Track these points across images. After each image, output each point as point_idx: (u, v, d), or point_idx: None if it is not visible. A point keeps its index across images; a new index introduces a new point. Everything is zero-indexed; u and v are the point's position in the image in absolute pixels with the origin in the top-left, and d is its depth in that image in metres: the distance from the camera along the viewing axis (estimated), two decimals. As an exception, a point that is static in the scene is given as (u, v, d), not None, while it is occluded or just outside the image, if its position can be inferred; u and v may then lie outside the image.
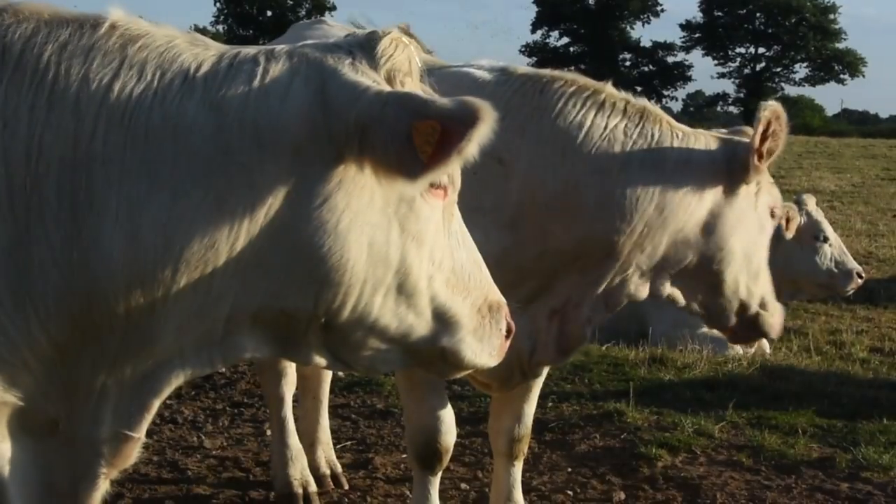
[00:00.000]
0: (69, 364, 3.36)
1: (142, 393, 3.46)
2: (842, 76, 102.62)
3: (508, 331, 3.76)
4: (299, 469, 7.28)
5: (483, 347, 3.67)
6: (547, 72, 5.57)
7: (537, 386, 6.24)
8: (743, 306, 5.67)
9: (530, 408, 6.30)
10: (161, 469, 7.71)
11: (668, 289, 5.56)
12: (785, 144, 5.43)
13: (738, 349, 12.15)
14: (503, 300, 3.74)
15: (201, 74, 3.33)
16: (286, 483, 7.21)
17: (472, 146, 3.19)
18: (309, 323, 3.44)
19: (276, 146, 3.24)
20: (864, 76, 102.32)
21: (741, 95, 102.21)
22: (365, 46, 3.44)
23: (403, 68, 3.45)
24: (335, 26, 7.02)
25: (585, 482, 7.58)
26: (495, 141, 4.78)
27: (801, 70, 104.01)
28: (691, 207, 5.40)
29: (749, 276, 5.60)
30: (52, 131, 3.22)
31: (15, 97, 3.29)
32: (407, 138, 3.19)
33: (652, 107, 5.54)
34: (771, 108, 5.33)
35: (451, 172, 3.51)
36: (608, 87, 5.47)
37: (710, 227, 5.46)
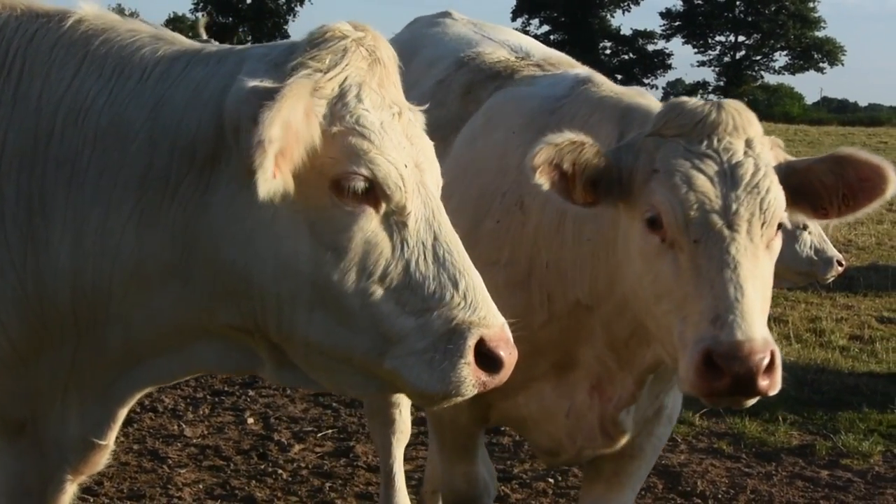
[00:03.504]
0: (30, 367, 3.36)
1: (106, 400, 3.44)
2: (821, 64, 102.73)
3: (495, 362, 3.26)
4: None
5: (433, 374, 3.19)
6: (604, 94, 4.73)
7: (631, 490, 5.15)
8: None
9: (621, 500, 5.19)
10: (141, 458, 7.69)
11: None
12: None
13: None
14: (487, 324, 3.25)
15: (156, 74, 3.27)
16: None
17: (269, 130, 2.91)
18: (253, 339, 3.32)
19: (195, 156, 3.17)
20: (843, 64, 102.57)
21: (721, 83, 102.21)
22: (293, 44, 3.27)
23: (315, 64, 3.16)
24: (459, 20, 6.29)
25: (566, 470, 7.57)
26: (520, 179, 4.57)
27: (781, 58, 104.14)
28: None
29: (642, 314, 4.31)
30: (15, 129, 3.22)
31: None
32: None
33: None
34: (540, 156, 4.06)
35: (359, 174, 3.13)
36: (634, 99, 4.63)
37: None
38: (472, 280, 3.26)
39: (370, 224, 3.16)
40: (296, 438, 8.27)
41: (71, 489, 3.59)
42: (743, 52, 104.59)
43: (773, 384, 3.76)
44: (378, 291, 3.17)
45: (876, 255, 17.97)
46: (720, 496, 7.37)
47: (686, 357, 3.78)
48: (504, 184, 4.72)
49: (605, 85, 4.82)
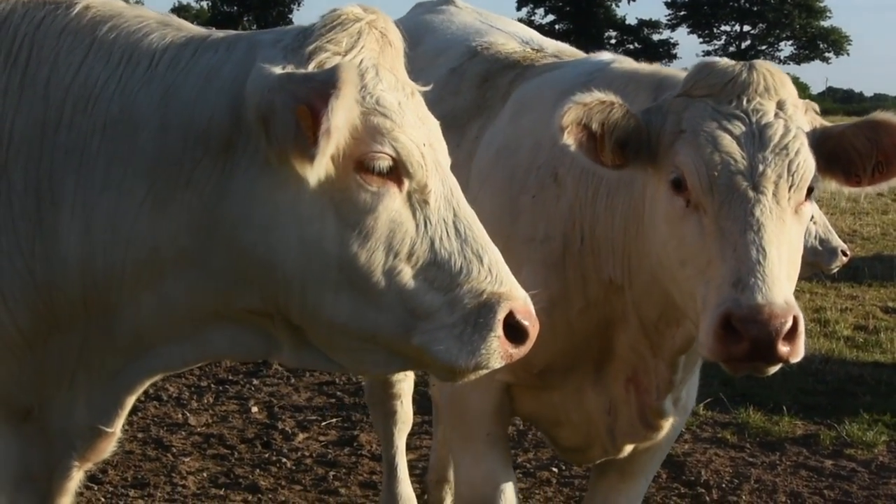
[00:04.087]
0: (37, 354, 3.35)
1: (115, 388, 3.43)
2: (826, 54, 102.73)
3: (521, 334, 3.29)
4: None
5: (463, 347, 3.22)
6: (637, 67, 4.74)
7: (644, 479, 5.18)
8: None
9: (634, 489, 5.16)
10: (146, 446, 7.70)
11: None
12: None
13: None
14: (513, 297, 3.27)
15: (165, 60, 3.26)
16: None
17: (337, 118, 2.93)
18: (272, 322, 3.31)
19: (210, 143, 3.16)
20: (848, 54, 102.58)
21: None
22: (304, 29, 3.27)
23: (333, 47, 3.17)
24: (464, 9, 6.24)
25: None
26: (555, 152, 4.50)
27: (786, 48, 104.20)
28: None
29: (668, 282, 4.18)
30: (23, 116, 3.21)
31: None
32: (296, 125, 3.02)
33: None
34: (568, 116, 4.01)
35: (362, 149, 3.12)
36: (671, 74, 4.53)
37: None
38: (495, 255, 3.29)
39: (395, 203, 3.17)
40: (300, 427, 8.28)
41: (77, 476, 3.59)
42: (748, 42, 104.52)
43: (794, 351, 3.67)
44: (406, 269, 3.19)
45: (881, 245, 17.95)
46: (724, 485, 7.37)
47: (706, 321, 3.70)
48: (539, 158, 4.65)
49: (635, 63, 4.78)
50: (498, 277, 3.26)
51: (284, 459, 7.58)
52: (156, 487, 7.03)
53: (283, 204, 3.13)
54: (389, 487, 6.57)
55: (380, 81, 3.17)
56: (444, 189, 3.26)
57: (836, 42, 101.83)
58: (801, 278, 12.89)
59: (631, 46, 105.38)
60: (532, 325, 3.31)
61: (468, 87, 5.32)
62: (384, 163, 3.13)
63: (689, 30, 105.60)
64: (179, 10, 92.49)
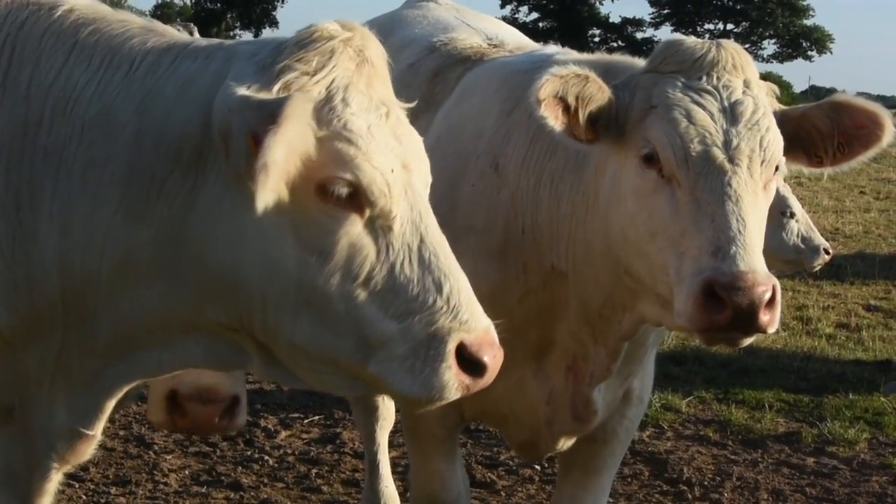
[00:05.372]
0: (18, 354, 3.34)
1: (94, 391, 3.41)
2: (809, 53, 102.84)
3: (476, 367, 3.18)
4: None
5: (415, 379, 3.11)
6: (584, 57, 4.67)
7: (607, 474, 5.18)
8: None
9: (597, 502, 5.17)
10: (127, 444, 7.68)
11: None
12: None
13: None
14: (469, 328, 3.16)
15: (144, 66, 3.23)
16: None
17: (272, 154, 2.85)
18: (241, 335, 3.28)
19: (182, 154, 3.13)
20: (831, 53, 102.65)
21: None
22: (280, 43, 3.19)
23: (302, 66, 3.09)
24: (443, 5, 6.18)
25: (553, 456, 7.57)
26: (495, 140, 4.53)
27: (769, 46, 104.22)
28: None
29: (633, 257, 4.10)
30: (4, 116, 3.19)
31: None
32: (247, 151, 2.97)
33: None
34: (545, 88, 3.98)
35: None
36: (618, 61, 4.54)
37: (603, 219, 4.23)
38: (457, 283, 3.18)
39: (354, 228, 3.09)
40: (282, 425, 8.27)
41: (56, 477, 3.57)
42: (731, 40, 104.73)
43: (773, 320, 3.69)
44: (362, 295, 3.10)
45: (863, 243, 18.01)
46: (706, 483, 7.39)
47: (684, 290, 3.70)
48: (479, 146, 4.63)
49: (577, 53, 4.77)
50: (455, 308, 3.15)
51: (267, 457, 7.57)
52: (137, 485, 7.01)
53: (245, 222, 3.07)
54: (372, 485, 6.56)
55: (348, 105, 3.08)
56: (412, 214, 3.16)
57: (818, 41, 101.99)
58: (783, 276, 12.96)
59: (615, 44, 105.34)
60: (491, 356, 3.20)
61: (420, 82, 5.26)
62: (343, 189, 3.05)
63: (672, 28, 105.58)
64: (162, 7, 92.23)
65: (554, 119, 3.96)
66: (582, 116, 3.98)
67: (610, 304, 4.27)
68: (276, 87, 3.05)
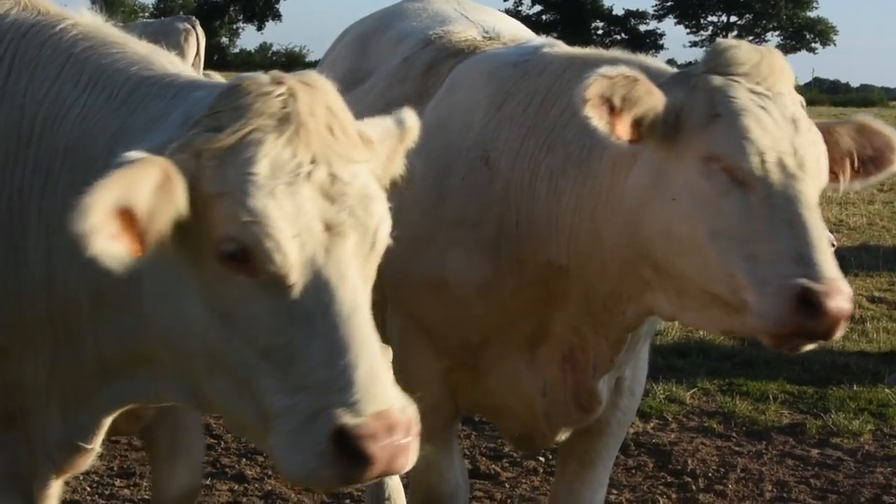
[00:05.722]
0: (14, 362, 3.34)
1: (89, 409, 3.41)
2: (813, 45, 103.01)
3: (358, 457, 2.82)
4: None
5: (295, 458, 2.87)
6: (576, 51, 4.70)
7: (603, 466, 5.15)
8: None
9: (596, 496, 5.15)
10: (131, 436, 7.67)
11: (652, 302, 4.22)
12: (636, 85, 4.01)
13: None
14: (358, 411, 2.82)
15: (122, 95, 3.18)
16: None
17: (84, 223, 2.73)
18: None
19: None
20: (835, 45, 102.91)
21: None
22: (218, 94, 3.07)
23: (210, 122, 2.96)
24: None
25: (556, 448, 7.57)
26: (485, 133, 4.51)
27: (773, 38, 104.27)
28: (614, 201, 4.21)
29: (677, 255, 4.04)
30: (2, 120, 3.19)
31: None
32: None
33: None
34: (592, 88, 3.92)
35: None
36: (610, 56, 4.44)
37: (631, 214, 4.15)
38: (357, 360, 2.84)
39: (250, 293, 2.91)
40: (286, 417, 8.24)
41: (56, 485, 3.59)
42: (735, 33, 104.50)
43: (842, 330, 3.79)
44: (261, 364, 2.91)
45: (867, 235, 17.96)
46: (710, 474, 7.38)
47: (771, 293, 3.71)
48: (467, 139, 4.61)
49: (568, 47, 4.76)
50: (346, 387, 2.82)
51: (271, 449, 7.55)
52: (141, 477, 7.00)
53: (163, 280, 3.02)
54: None
55: (253, 163, 2.88)
56: (317, 281, 2.89)
57: (822, 32, 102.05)
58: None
59: (618, 37, 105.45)
60: (379, 447, 2.81)
61: (414, 76, 5.23)
62: (232, 248, 2.88)
63: (676, 20, 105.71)
64: (165, 0, 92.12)
65: (598, 119, 3.92)
66: (627, 118, 3.95)
67: (615, 296, 4.26)
68: (175, 145, 2.92)
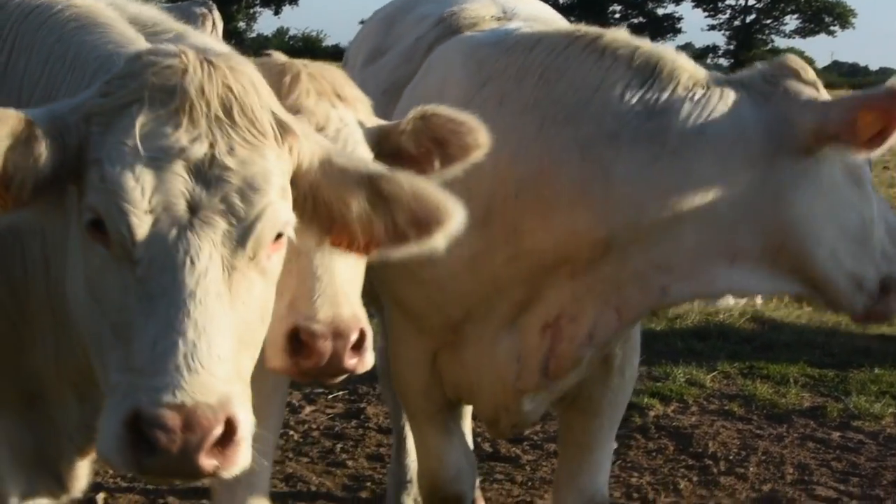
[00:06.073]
0: (27, 347, 3.36)
1: (101, 393, 3.42)
2: (832, 28, 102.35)
3: (150, 444, 2.63)
4: (413, 496, 6.50)
5: (101, 435, 2.71)
6: (559, 29, 4.65)
7: (600, 448, 5.09)
8: (857, 281, 4.31)
9: (597, 478, 5.08)
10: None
11: (733, 281, 4.31)
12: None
13: (730, 300, 12.14)
14: (148, 399, 2.64)
15: (90, 73, 3.13)
16: None
17: None
18: None
19: None
20: (854, 27, 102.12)
21: (731, 48, 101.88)
22: None
23: (103, 88, 2.89)
24: None
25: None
26: (472, 112, 4.49)
27: (791, 22, 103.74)
28: (714, 188, 4.19)
29: (850, 244, 4.29)
30: (2, 102, 3.17)
31: None
32: None
33: (670, 55, 4.35)
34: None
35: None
36: (612, 33, 4.43)
37: (768, 202, 4.20)
38: (176, 346, 2.66)
39: (106, 265, 2.80)
40: (307, 400, 8.28)
41: (83, 466, 3.60)
42: (753, 16, 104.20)
43: None
44: (112, 341, 2.79)
45: (887, 218, 17.92)
46: (731, 457, 7.37)
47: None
48: None
49: (545, 27, 4.71)
50: (159, 371, 2.65)
51: (291, 432, 7.58)
52: (163, 460, 7.02)
53: (65, 245, 3.00)
54: (399, 458, 6.58)
55: (125, 132, 2.79)
56: (163, 262, 2.74)
57: (841, 15, 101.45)
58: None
59: (635, 20, 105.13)
60: (166, 438, 2.61)
61: (419, 56, 5.17)
62: (89, 216, 2.79)
63: (693, 4, 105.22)
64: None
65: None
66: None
67: (667, 269, 4.26)
68: (69, 107, 2.89)
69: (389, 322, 4.97)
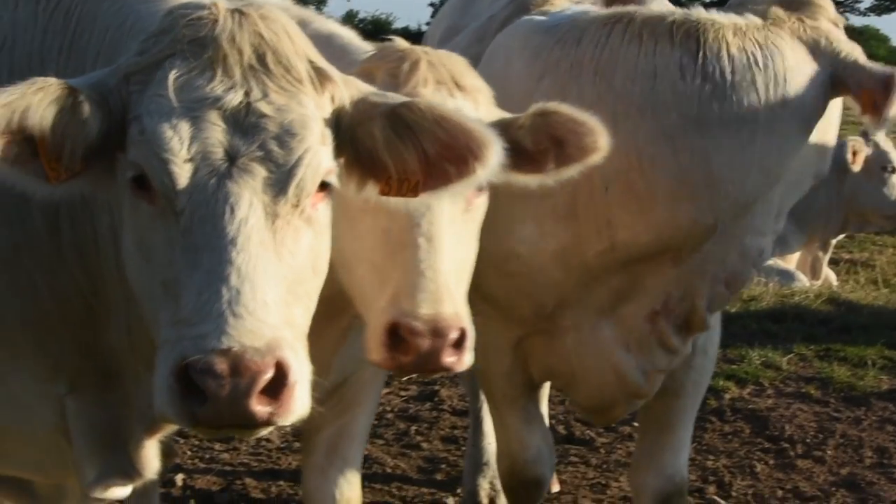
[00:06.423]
0: (101, 325, 3.39)
1: None
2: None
3: (197, 392, 2.62)
4: (489, 478, 6.48)
5: (155, 392, 2.74)
6: (597, 16, 4.53)
7: (682, 428, 5.14)
8: None
9: (678, 459, 5.11)
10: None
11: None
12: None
13: (805, 281, 12.02)
14: (201, 347, 2.62)
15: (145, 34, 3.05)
16: (472, 492, 6.50)
17: None
18: None
19: None
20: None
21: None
22: None
23: (141, 46, 2.94)
24: None
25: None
26: (525, 106, 4.41)
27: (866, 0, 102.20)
28: (801, 152, 4.30)
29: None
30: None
31: (51, 40, 3.30)
32: None
33: (704, 17, 4.28)
34: None
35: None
36: (643, 11, 4.39)
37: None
38: (219, 294, 2.66)
39: (151, 221, 2.83)
40: (381, 382, 8.31)
41: (152, 446, 3.61)
42: None
43: None
44: (162, 298, 2.80)
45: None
46: (808, 440, 7.30)
47: None
48: (510, 111, 4.36)
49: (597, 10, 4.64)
50: (203, 319, 2.65)
51: (366, 414, 7.61)
52: (241, 442, 7.09)
53: (116, 209, 3.04)
54: (475, 441, 6.56)
55: (162, 86, 2.82)
56: (204, 211, 2.75)
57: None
58: (884, 232, 12.76)
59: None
60: (216, 385, 2.59)
61: (491, 34, 5.10)
62: (130, 173, 2.83)
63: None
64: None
65: None
66: None
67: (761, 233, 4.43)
68: (109, 71, 2.93)
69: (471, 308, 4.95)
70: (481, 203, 3.74)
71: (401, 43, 3.91)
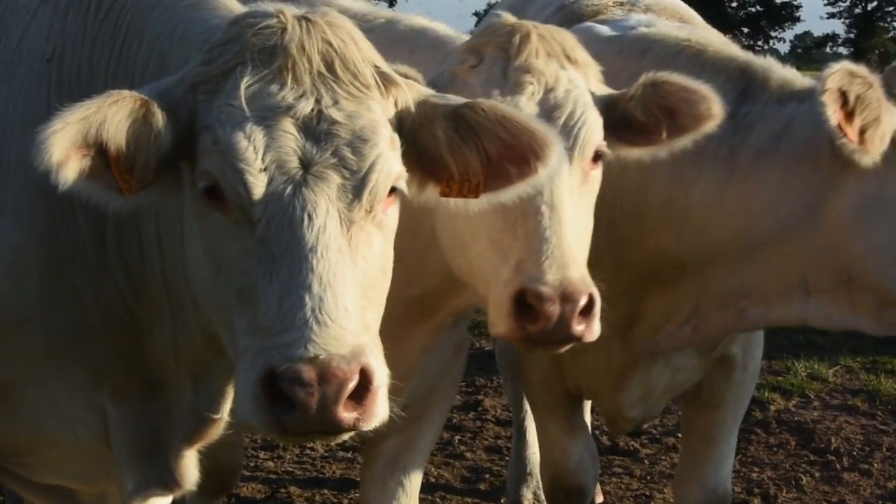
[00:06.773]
0: (145, 334, 3.40)
1: (215, 376, 3.46)
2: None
3: (284, 400, 2.62)
4: (533, 489, 6.52)
5: (239, 400, 2.75)
6: (671, 36, 4.50)
7: (724, 441, 5.09)
8: None
9: (720, 471, 5.10)
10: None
11: (809, 311, 4.25)
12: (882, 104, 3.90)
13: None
14: (289, 356, 2.63)
15: (197, 46, 3.08)
16: (516, 502, 6.54)
17: (48, 157, 2.70)
18: None
19: None
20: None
21: (851, 36, 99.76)
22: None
23: (204, 56, 2.94)
24: None
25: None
26: None
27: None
28: (783, 207, 4.11)
29: None
30: (117, 87, 3.21)
31: (99, 50, 3.32)
32: None
33: (761, 65, 4.29)
34: (834, 78, 3.82)
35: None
36: (718, 45, 4.40)
37: (828, 221, 4.07)
38: (302, 301, 2.67)
39: (225, 231, 2.82)
40: (425, 392, 8.32)
41: (191, 455, 3.63)
42: (875, 3, 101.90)
43: None
44: (237, 306, 2.80)
45: None
46: (855, 453, 7.25)
47: None
48: None
49: (669, 29, 4.62)
50: (288, 328, 2.65)
51: (410, 424, 7.63)
52: (285, 450, 7.14)
53: (184, 219, 3.04)
54: (518, 451, 6.57)
55: (232, 95, 2.81)
56: (281, 219, 2.74)
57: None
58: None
59: (753, 9, 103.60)
60: (304, 394, 2.58)
61: None
62: (203, 183, 2.82)
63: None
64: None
65: (832, 112, 3.81)
66: (858, 120, 3.84)
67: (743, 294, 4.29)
68: (174, 80, 2.92)
69: None
70: (597, 176, 3.72)
71: (509, 18, 3.89)
